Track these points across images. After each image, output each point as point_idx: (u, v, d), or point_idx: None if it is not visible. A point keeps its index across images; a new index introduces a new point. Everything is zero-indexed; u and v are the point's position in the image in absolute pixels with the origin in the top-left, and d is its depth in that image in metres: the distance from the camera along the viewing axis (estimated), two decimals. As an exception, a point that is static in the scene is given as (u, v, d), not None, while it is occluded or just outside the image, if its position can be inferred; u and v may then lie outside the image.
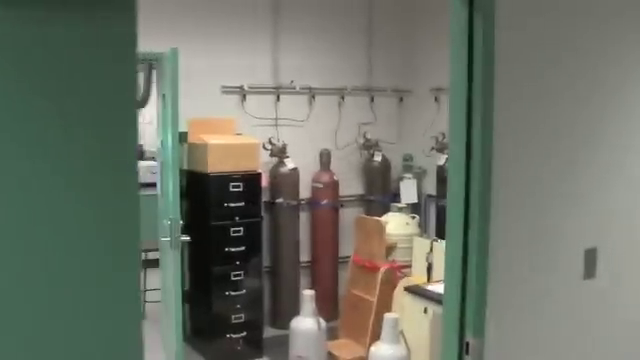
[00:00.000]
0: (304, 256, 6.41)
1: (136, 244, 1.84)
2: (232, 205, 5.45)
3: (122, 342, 1.82)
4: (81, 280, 1.76)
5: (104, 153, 1.75)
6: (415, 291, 4.31)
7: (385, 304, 5.25)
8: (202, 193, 5.53)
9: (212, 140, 5.42)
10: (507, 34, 2.36)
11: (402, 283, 5.03)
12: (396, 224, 5.75)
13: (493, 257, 2.43)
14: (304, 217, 6.43)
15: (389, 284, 5.36)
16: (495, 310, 2.46)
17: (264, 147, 6.02)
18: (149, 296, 6.55)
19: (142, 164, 8.84)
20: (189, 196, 5.68)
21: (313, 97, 6.41)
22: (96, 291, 1.78)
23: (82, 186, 1.73)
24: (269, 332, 6.07)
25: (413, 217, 5.89)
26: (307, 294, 5.38)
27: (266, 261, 6.14)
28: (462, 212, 2.43)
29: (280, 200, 6.15)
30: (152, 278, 6.19)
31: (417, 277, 5.03)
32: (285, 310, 6.05)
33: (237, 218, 5.49)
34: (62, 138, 1.69)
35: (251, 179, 5.55)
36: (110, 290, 1.79)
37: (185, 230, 4.96)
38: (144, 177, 7.94)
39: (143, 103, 8.36)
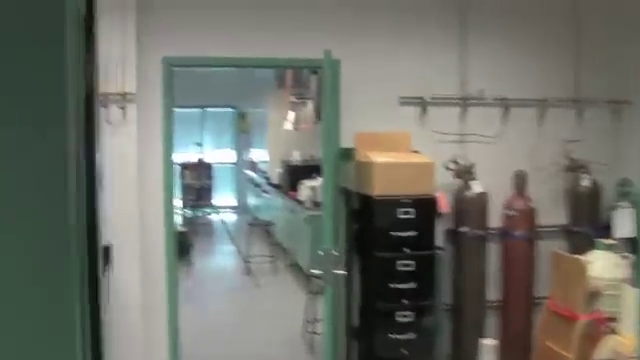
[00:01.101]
0: (492, 294, 5.51)
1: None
2: (400, 234, 4.70)
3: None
4: None
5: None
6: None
7: (585, 364, 4.25)
8: (368, 219, 4.85)
9: (379, 158, 4.73)
10: None
11: (604, 342, 4.01)
12: (603, 265, 4.66)
13: None
14: (493, 249, 5.53)
15: (591, 339, 4.34)
16: None
17: (446, 167, 5.25)
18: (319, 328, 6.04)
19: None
20: (358, 221, 5.05)
21: (507, 109, 5.51)
22: None
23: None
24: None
25: (625, 257, 4.76)
26: (487, 345, 4.56)
27: (446, 298, 5.35)
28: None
29: (465, 229, 5.34)
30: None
31: (625, 337, 3.98)
32: (467, 355, 5.23)
33: (406, 249, 4.72)
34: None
35: (425, 205, 4.76)
36: None
37: (352, 259, 4.33)
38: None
39: (319, 115, 8.00)
